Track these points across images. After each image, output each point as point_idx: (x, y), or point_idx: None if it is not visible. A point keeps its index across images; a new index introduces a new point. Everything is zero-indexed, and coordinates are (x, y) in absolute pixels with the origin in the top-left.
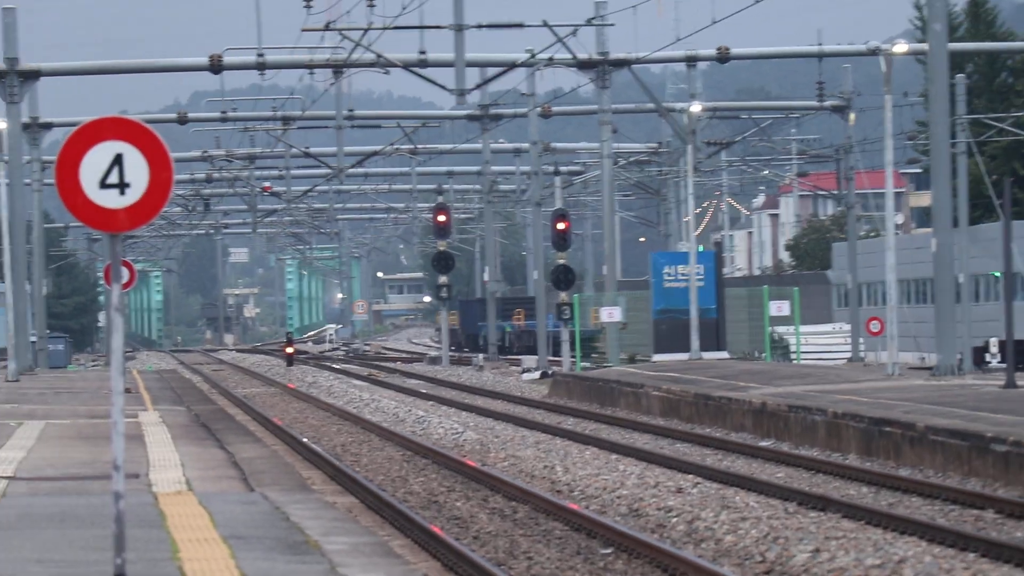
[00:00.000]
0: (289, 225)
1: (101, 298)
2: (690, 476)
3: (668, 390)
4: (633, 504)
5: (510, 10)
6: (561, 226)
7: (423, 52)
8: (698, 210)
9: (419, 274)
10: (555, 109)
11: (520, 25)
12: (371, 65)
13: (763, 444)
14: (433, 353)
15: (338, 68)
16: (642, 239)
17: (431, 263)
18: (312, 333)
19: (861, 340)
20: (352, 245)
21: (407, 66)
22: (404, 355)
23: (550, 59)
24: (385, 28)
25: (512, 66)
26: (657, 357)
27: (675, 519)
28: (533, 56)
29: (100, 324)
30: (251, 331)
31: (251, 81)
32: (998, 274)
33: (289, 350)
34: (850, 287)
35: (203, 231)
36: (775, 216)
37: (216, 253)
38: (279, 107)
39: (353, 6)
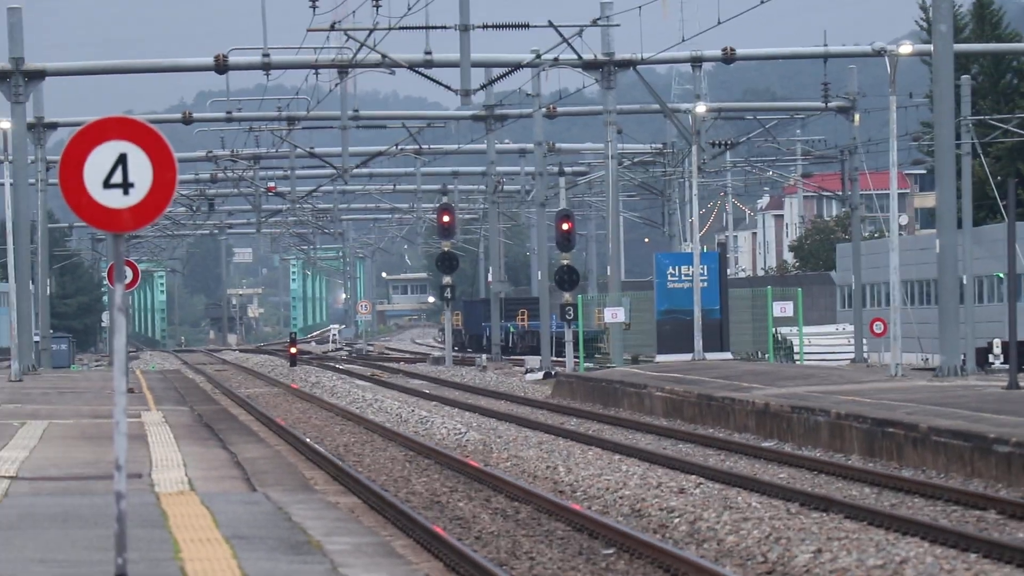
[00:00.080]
0: (293, 225)
1: (105, 298)
2: (693, 477)
3: (671, 391)
4: (635, 504)
5: (515, 10)
6: (565, 226)
7: (428, 52)
8: (702, 211)
9: (423, 274)
10: (560, 109)
11: (525, 26)
12: (376, 65)
13: (766, 445)
14: (436, 353)
15: (343, 68)
16: (646, 240)
17: (435, 263)
18: (316, 333)
19: (864, 341)
20: (356, 245)
21: (412, 66)
22: (407, 355)
23: (555, 59)
24: (390, 28)
25: (517, 66)
26: (660, 358)
27: (677, 520)
28: (538, 56)
29: (104, 324)
30: (255, 331)
31: (256, 81)
32: (1002, 275)
33: (292, 350)
34: (854, 288)
35: (207, 231)
36: (779, 217)
37: (220, 253)
38: (284, 107)
39: (359, 6)
